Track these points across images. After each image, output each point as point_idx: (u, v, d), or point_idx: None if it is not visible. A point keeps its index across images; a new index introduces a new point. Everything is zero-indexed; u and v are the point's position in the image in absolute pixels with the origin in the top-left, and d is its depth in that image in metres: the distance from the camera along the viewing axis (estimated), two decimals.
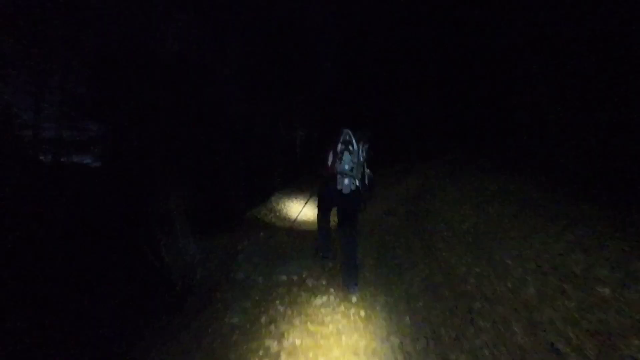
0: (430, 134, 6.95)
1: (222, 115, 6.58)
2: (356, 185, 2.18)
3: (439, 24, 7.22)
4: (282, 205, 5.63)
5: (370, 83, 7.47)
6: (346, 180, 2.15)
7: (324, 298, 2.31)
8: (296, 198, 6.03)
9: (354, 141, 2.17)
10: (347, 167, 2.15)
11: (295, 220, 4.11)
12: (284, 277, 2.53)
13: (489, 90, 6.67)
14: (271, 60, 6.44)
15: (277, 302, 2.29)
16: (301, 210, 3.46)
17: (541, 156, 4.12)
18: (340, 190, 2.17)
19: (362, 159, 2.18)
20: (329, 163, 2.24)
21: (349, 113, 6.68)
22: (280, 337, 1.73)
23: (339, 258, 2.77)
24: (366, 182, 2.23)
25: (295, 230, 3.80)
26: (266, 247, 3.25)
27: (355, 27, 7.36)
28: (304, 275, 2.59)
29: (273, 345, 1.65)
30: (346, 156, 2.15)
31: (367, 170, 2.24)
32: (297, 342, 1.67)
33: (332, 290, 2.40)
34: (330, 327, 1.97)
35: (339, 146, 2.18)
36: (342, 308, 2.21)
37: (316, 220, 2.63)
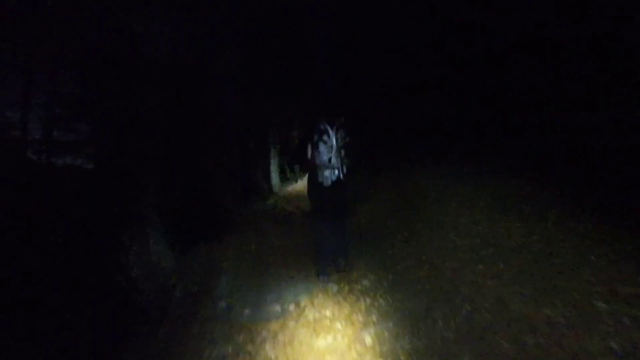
0: (430, 134, 6.40)
1: (218, 115, 5.85)
2: (337, 176, 2.01)
3: (438, 23, 6.71)
4: (279, 209, 4.94)
5: (370, 83, 6.85)
6: (326, 172, 2.00)
7: (329, 338, 1.65)
8: (295, 201, 5.33)
9: (329, 130, 1.99)
10: (324, 158, 1.99)
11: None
12: (277, 308, 1.86)
13: (489, 90, 6.17)
14: (269, 59, 5.78)
15: (267, 345, 1.62)
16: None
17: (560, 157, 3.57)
18: (322, 183, 2.01)
19: (339, 145, 2.00)
20: (309, 156, 2.07)
21: (348, 112, 6.01)
22: None
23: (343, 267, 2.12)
24: (344, 171, 2.03)
25: (292, 239, 3.12)
26: (257, 261, 2.57)
27: (355, 27, 6.74)
28: (302, 304, 1.93)
29: None
30: (322, 147, 1.98)
31: (346, 160, 2.04)
32: None
33: (339, 326, 1.73)
34: None
35: (315, 137, 2.01)
36: (354, 354, 1.54)
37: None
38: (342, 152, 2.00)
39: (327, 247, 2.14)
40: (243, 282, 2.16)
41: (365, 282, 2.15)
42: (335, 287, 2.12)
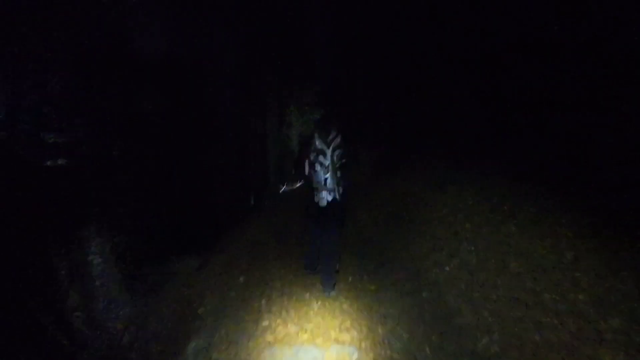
0: (430, 134, 5.68)
1: (216, 116, 4.93)
2: (333, 197, 1.81)
3: (438, 24, 5.97)
4: (278, 216, 4.03)
5: (369, 83, 6.06)
6: (322, 193, 1.81)
7: None
8: (295, 205, 4.43)
9: (326, 150, 1.79)
10: (321, 179, 1.80)
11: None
12: None
13: (489, 90, 5.46)
14: (268, 57, 4.94)
15: None
16: None
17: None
18: (317, 202, 1.83)
19: (335, 166, 1.80)
20: (306, 172, 1.88)
21: (348, 112, 5.27)
22: None
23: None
24: (340, 191, 1.83)
25: (292, 262, 2.28)
26: (246, 304, 1.72)
27: (355, 27, 5.93)
28: None
29: None
30: (318, 168, 1.80)
31: (341, 181, 1.84)
32: None
33: None
34: None
35: (311, 156, 1.82)
36: None
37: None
38: (338, 173, 1.80)
39: (318, 251, 1.95)
40: (217, 349, 1.31)
41: (404, 336, 1.32)
42: (355, 354, 1.29)
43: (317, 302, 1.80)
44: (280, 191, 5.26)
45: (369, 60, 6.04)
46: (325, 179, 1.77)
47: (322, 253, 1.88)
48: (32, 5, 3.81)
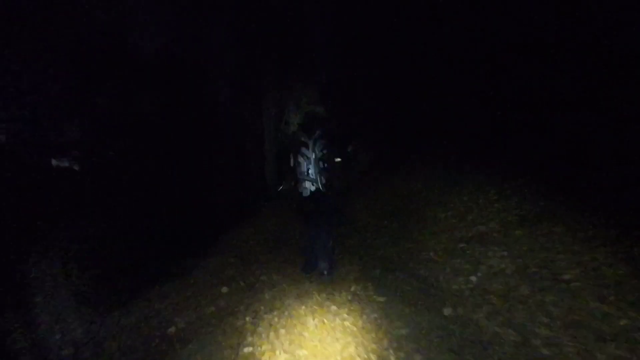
0: (430, 134, 5.33)
1: (215, 116, 4.58)
2: (317, 187, 1.82)
3: (439, 24, 5.70)
4: (275, 217, 3.65)
5: (369, 83, 5.75)
6: (305, 184, 1.83)
7: None
8: (292, 205, 4.05)
9: (308, 142, 1.82)
10: (304, 170, 1.83)
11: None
12: None
13: (489, 90, 5.14)
14: (267, 57, 4.80)
15: None
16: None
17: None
18: (301, 192, 1.86)
19: (317, 157, 1.81)
20: (292, 164, 1.91)
21: (347, 111, 4.97)
22: None
23: None
24: (322, 181, 1.80)
25: (287, 268, 1.90)
26: (223, 328, 1.33)
27: (354, 27, 5.66)
28: None
29: None
30: (301, 160, 1.82)
31: (324, 172, 1.82)
32: None
33: None
34: None
35: (295, 148, 1.87)
36: None
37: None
38: (321, 164, 1.80)
39: (313, 248, 1.90)
40: None
41: None
42: None
43: (313, 319, 1.42)
44: (279, 190, 4.92)
45: (369, 60, 5.78)
46: (308, 170, 1.79)
47: (316, 245, 1.86)
48: (31, 5, 3.54)
